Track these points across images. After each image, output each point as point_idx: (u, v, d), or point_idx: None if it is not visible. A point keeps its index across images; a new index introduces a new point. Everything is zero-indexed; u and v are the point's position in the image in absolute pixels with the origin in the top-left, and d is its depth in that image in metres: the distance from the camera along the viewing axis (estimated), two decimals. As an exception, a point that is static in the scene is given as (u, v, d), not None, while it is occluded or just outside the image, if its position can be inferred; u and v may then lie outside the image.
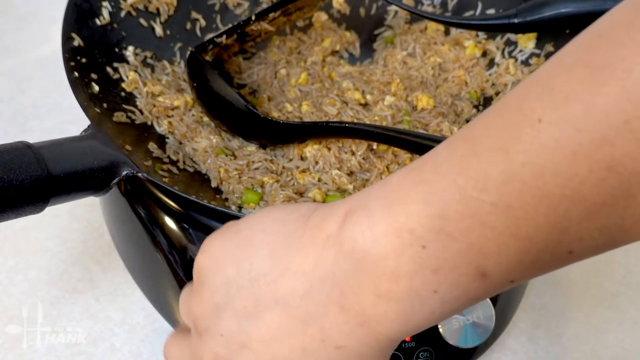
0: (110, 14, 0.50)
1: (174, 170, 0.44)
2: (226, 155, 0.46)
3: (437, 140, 0.40)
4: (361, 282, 0.23)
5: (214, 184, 0.44)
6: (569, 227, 0.21)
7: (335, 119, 0.48)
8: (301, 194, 0.44)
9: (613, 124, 0.19)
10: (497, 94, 0.51)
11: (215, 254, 0.28)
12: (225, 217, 0.40)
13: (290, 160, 0.46)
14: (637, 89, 0.19)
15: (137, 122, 0.46)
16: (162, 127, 0.47)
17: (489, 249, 0.22)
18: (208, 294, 0.27)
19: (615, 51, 0.20)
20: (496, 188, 0.21)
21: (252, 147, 0.47)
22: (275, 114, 0.50)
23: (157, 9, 0.53)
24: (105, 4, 0.49)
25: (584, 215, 0.21)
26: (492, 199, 0.21)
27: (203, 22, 0.55)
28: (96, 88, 0.45)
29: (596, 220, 0.21)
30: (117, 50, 0.50)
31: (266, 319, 0.25)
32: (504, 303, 0.44)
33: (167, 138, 0.47)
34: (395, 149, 0.45)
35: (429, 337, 0.41)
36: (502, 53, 0.53)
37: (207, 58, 0.50)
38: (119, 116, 0.45)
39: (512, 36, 0.52)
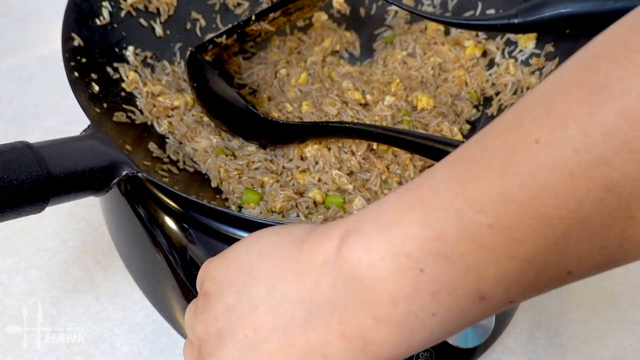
0: (110, 14, 0.50)
1: (174, 170, 0.44)
2: (226, 155, 0.46)
3: (437, 141, 0.40)
4: (360, 307, 0.23)
5: (214, 184, 0.44)
6: (568, 248, 0.21)
7: (335, 119, 0.48)
8: (301, 194, 0.44)
9: (611, 145, 0.19)
10: (497, 94, 0.51)
11: (219, 280, 0.28)
12: (225, 217, 0.40)
13: (290, 160, 0.46)
14: (635, 110, 0.19)
15: (137, 122, 0.46)
16: (162, 127, 0.47)
17: (488, 272, 0.21)
18: (212, 319, 0.27)
19: (613, 71, 0.20)
20: (494, 210, 0.21)
21: (252, 147, 0.47)
22: (275, 114, 0.50)
23: (157, 9, 0.53)
24: (105, 4, 0.49)
25: (583, 237, 0.20)
26: (490, 221, 0.21)
27: (203, 22, 0.55)
28: (96, 88, 0.45)
29: (595, 241, 0.21)
30: (117, 50, 0.50)
31: (267, 347, 0.25)
32: (504, 303, 0.44)
33: (167, 138, 0.47)
34: (395, 149, 0.45)
35: (429, 337, 0.41)
36: (502, 53, 0.53)
37: (207, 58, 0.50)
38: (119, 116, 0.45)
39: (512, 36, 0.52)
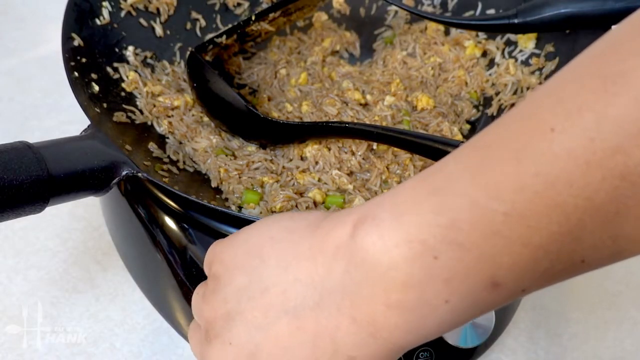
0: (110, 14, 0.50)
1: (174, 170, 0.44)
2: (226, 155, 0.46)
3: (437, 141, 0.40)
4: (372, 293, 0.23)
5: (214, 184, 0.44)
6: (582, 236, 0.21)
7: (335, 119, 0.48)
8: (301, 194, 0.44)
9: (627, 133, 0.19)
10: (497, 94, 0.51)
11: (227, 263, 0.28)
12: (225, 217, 0.40)
13: (290, 160, 0.46)
14: None
15: (137, 122, 0.46)
16: (162, 127, 0.47)
17: (501, 259, 0.21)
18: (220, 301, 0.27)
19: (627, 61, 0.20)
20: (509, 198, 0.21)
21: (252, 147, 0.47)
22: (275, 114, 0.50)
23: (157, 9, 0.53)
24: (105, 4, 0.49)
25: (598, 225, 0.21)
26: (505, 208, 0.21)
27: (203, 22, 0.55)
28: (96, 88, 0.45)
29: (609, 229, 0.21)
30: (117, 50, 0.50)
31: (276, 329, 0.25)
32: (504, 303, 0.44)
33: (167, 138, 0.47)
34: (395, 149, 0.45)
35: (429, 337, 0.41)
36: (502, 53, 0.53)
37: (207, 58, 0.50)
38: (119, 116, 0.45)
39: (512, 36, 0.52)
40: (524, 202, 0.21)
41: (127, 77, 0.49)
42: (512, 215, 0.21)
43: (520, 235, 0.21)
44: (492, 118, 0.50)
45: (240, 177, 0.45)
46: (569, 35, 0.48)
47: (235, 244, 0.29)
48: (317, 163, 0.45)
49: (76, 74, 0.44)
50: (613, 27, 0.22)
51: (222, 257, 0.29)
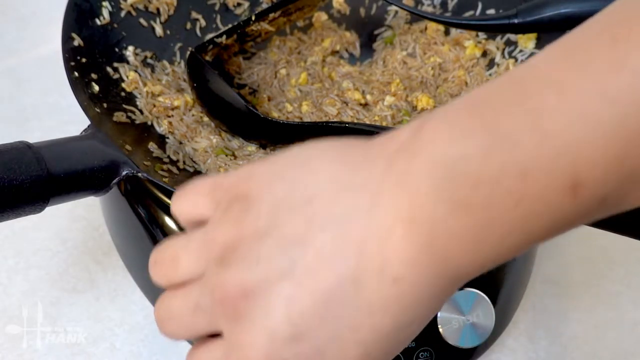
0: (110, 13, 0.50)
1: (174, 170, 0.44)
2: (226, 155, 0.46)
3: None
4: (435, 189, 0.20)
5: (214, 184, 0.44)
6: None
7: (335, 119, 0.48)
8: (301, 194, 0.43)
9: None
10: (497, 94, 0.51)
11: (262, 177, 0.24)
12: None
13: (290, 160, 0.46)
14: None
15: (137, 122, 0.47)
16: (162, 127, 0.47)
17: (588, 147, 0.19)
18: (252, 219, 0.23)
19: None
20: (602, 78, 0.19)
21: (252, 147, 0.47)
22: (275, 114, 0.50)
23: (157, 9, 0.53)
24: (105, 4, 0.49)
25: None
26: (598, 89, 0.19)
27: (203, 22, 0.55)
28: (96, 88, 0.45)
29: None
30: (117, 50, 0.50)
31: (317, 241, 0.22)
32: (504, 303, 0.44)
33: (167, 138, 0.47)
34: (395, 149, 0.45)
35: (429, 337, 0.41)
36: (502, 53, 0.53)
37: (207, 58, 0.50)
38: (119, 116, 0.45)
39: (512, 36, 0.52)
40: (620, 83, 0.19)
41: (127, 77, 0.49)
42: (606, 97, 0.19)
43: (611, 119, 0.19)
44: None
45: (240, 177, 0.45)
46: (569, 35, 0.48)
47: (270, 160, 0.25)
48: (317, 163, 0.45)
49: (76, 74, 0.44)
50: None
51: (254, 175, 0.24)
